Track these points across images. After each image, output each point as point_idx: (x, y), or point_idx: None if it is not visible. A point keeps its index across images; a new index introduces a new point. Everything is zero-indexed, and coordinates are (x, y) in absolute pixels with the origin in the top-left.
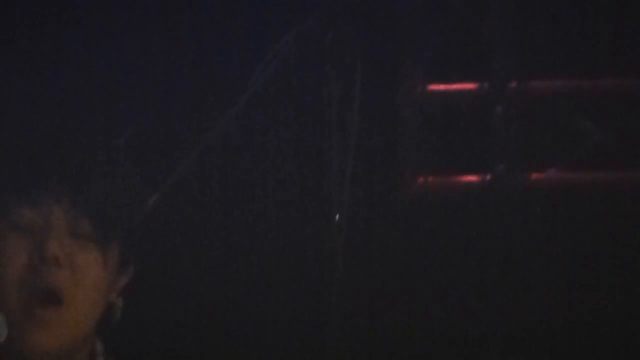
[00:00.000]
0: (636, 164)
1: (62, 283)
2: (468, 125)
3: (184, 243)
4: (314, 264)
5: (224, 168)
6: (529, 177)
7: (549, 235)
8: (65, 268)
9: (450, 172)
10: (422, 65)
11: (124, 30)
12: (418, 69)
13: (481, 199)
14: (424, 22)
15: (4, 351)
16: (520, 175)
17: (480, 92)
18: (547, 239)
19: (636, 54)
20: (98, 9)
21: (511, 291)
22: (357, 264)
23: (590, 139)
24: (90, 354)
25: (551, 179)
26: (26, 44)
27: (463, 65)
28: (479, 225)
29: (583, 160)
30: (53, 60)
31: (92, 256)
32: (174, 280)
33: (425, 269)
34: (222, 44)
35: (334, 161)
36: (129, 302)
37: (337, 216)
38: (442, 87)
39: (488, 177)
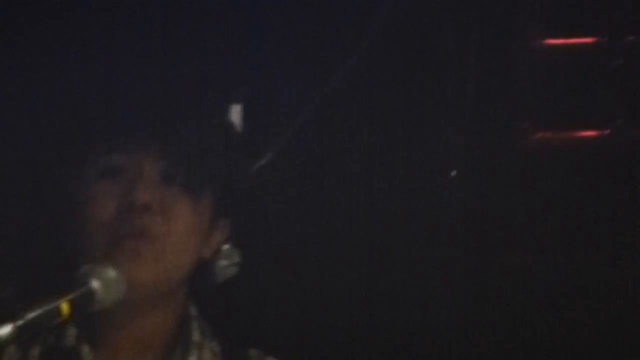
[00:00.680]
0: None
1: (152, 228)
2: (586, 79)
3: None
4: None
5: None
6: None
7: None
8: (156, 214)
9: (568, 127)
10: (539, 19)
11: None
12: (535, 22)
13: (599, 154)
14: None
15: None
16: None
17: (598, 45)
18: None
19: None
20: None
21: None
22: (473, 219)
23: None
24: (181, 316)
25: None
26: None
27: (581, 18)
28: (597, 181)
29: None
30: None
31: (184, 204)
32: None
33: (537, 224)
34: None
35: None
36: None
37: (454, 172)
38: (559, 40)
39: (607, 132)
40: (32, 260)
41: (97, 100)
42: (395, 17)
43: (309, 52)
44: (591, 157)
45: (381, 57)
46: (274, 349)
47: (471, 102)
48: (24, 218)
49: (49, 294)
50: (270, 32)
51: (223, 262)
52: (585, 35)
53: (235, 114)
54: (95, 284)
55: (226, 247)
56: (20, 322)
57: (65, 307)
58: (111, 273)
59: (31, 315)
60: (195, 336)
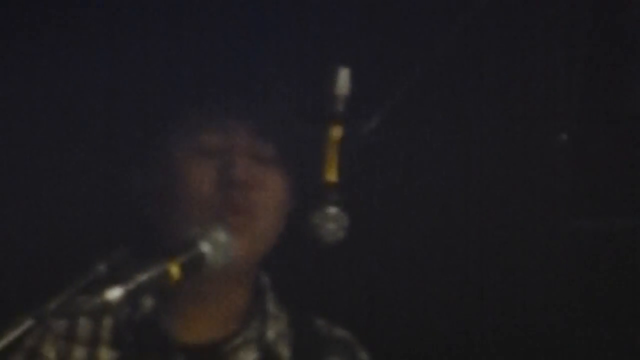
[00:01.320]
0: None
1: (250, 205)
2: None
3: None
4: None
5: None
6: None
7: None
8: (253, 190)
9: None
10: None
11: None
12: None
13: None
14: None
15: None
16: None
17: None
18: None
19: None
20: None
21: None
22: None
23: None
24: (256, 286)
25: None
26: None
27: None
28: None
29: None
30: None
31: (276, 179)
32: None
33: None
34: None
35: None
36: None
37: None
38: None
39: None
40: (142, 225)
41: (187, 81)
42: None
43: (414, 15)
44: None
45: (490, 23)
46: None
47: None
48: (129, 190)
49: (159, 257)
50: None
51: (332, 226)
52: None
53: (343, 76)
54: (205, 246)
55: (334, 210)
56: (130, 286)
57: (175, 270)
58: (221, 236)
59: (141, 278)
60: (271, 307)
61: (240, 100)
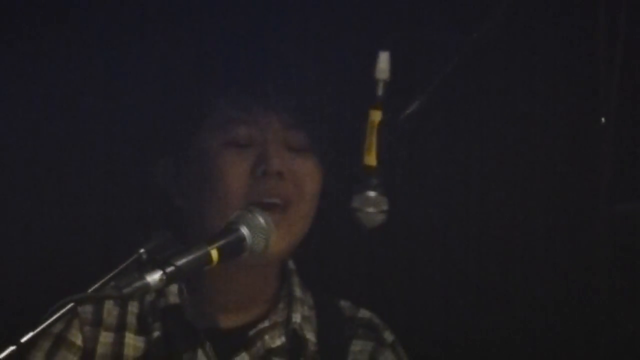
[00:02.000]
0: None
1: (285, 195)
2: None
3: None
4: None
5: None
6: None
7: None
8: (287, 181)
9: None
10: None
11: None
12: None
13: None
14: None
15: None
16: None
17: None
18: None
19: None
20: None
21: None
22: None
23: None
24: (283, 270)
25: None
26: None
27: None
28: None
29: None
30: None
31: (309, 171)
32: None
33: None
34: None
35: None
36: None
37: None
38: None
39: None
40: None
41: (220, 74)
42: None
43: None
44: None
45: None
46: (362, 301)
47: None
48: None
49: (199, 241)
50: None
51: (371, 210)
52: None
53: (383, 61)
54: (244, 230)
55: (373, 194)
56: (170, 269)
57: (215, 253)
58: (261, 221)
59: (181, 262)
60: (297, 291)
61: (273, 91)
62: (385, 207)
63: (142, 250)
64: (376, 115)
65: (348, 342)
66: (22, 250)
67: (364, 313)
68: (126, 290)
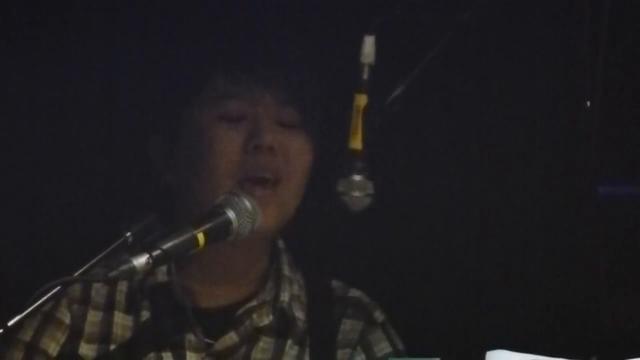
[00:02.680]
0: None
1: (277, 170)
2: None
3: None
4: None
5: None
6: None
7: None
8: (279, 156)
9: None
10: None
11: None
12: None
13: None
14: None
15: None
16: None
17: None
18: None
19: None
20: None
21: None
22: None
23: None
24: (272, 249)
25: None
26: None
27: None
28: None
29: None
30: None
31: (301, 146)
32: None
33: None
34: None
35: None
36: None
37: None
38: None
39: None
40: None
41: (213, 48)
42: None
43: None
44: None
45: None
46: (354, 280)
47: None
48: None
49: (184, 224)
50: None
51: (356, 193)
52: None
53: (369, 45)
54: (231, 214)
55: (359, 178)
56: (156, 253)
57: (201, 237)
58: (247, 204)
59: (167, 245)
60: (286, 270)
61: (266, 66)
62: (370, 191)
63: (128, 234)
64: (362, 100)
65: (338, 321)
66: (7, 231)
67: (354, 292)
68: (112, 274)
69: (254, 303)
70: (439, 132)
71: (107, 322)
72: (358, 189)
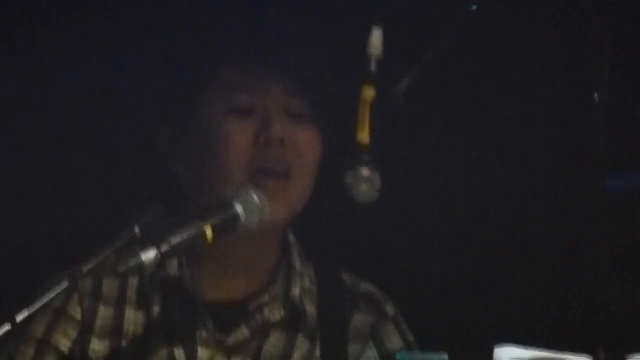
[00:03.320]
0: None
1: (287, 162)
2: None
3: None
4: None
5: None
6: None
7: None
8: (289, 148)
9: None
10: None
11: None
12: None
13: None
14: None
15: None
16: None
17: None
18: None
19: None
20: None
21: None
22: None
23: None
24: (283, 242)
25: None
26: None
27: None
28: None
29: None
30: None
31: (310, 138)
32: None
33: None
34: None
35: None
36: None
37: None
38: None
39: None
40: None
41: (222, 40)
42: None
43: None
44: None
45: None
46: (365, 274)
47: None
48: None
49: (193, 219)
50: None
51: (364, 186)
52: None
53: (377, 37)
54: (239, 208)
55: (367, 171)
56: (164, 248)
57: (209, 231)
58: (255, 198)
59: (176, 240)
60: (297, 264)
61: (275, 58)
62: (378, 184)
63: (137, 229)
64: (369, 92)
65: (349, 315)
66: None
67: (366, 286)
68: (121, 269)
69: (265, 297)
70: (446, 125)
71: (119, 318)
72: (365, 181)
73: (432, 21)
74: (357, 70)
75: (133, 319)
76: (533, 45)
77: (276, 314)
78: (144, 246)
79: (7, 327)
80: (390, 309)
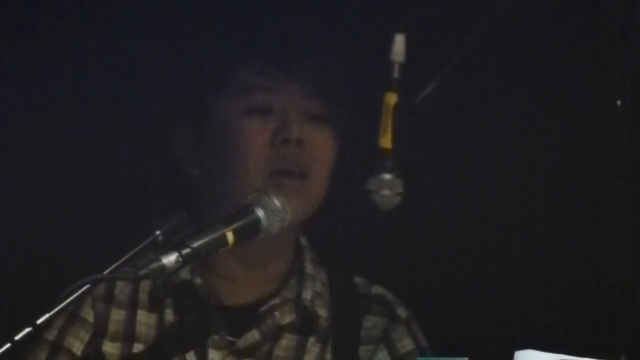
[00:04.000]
0: None
1: (304, 163)
2: None
3: None
4: None
5: None
6: None
7: None
8: (306, 149)
9: None
10: None
11: None
12: None
13: None
14: None
15: None
16: None
17: None
18: None
19: None
20: None
21: None
22: None
23: None
24: (295, 246)
25: None
26: None
27: None
28: None
29: None
30: None
31: (327, 139)
32: None
33: None
34: None
35: None
36: None
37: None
38: None
39: None
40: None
41: (239, 41)
42: None
43: None
44: None
45: None
46: (383, 277)
47: None
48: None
49: (213, 223)
50: None
51: (386, 192)
52: None
53: (399, 43)
54: (260, 212)
55: (389, 176)
56: (186, 251)
57: (230, 235)
58: (276, 203)
59: (197, 244)
60: (309, 268)
61: (293, 59)
62: (400, 190)
63: (157, 232)
64: (392, 98)
65: (361, 318)
66: (38, 230)
67: (378, 289)
68: (142, 272)
69: (276, 301)
70: (468, 130)
71: (131, 321)
72: (388, 187)
73: (455, 27)
74: (378, 76)
75: (145, 321)
76: (556, 50)
77: (287, 317)
78: (165, 250)
79: (27, 329)
80: (402, 311)
